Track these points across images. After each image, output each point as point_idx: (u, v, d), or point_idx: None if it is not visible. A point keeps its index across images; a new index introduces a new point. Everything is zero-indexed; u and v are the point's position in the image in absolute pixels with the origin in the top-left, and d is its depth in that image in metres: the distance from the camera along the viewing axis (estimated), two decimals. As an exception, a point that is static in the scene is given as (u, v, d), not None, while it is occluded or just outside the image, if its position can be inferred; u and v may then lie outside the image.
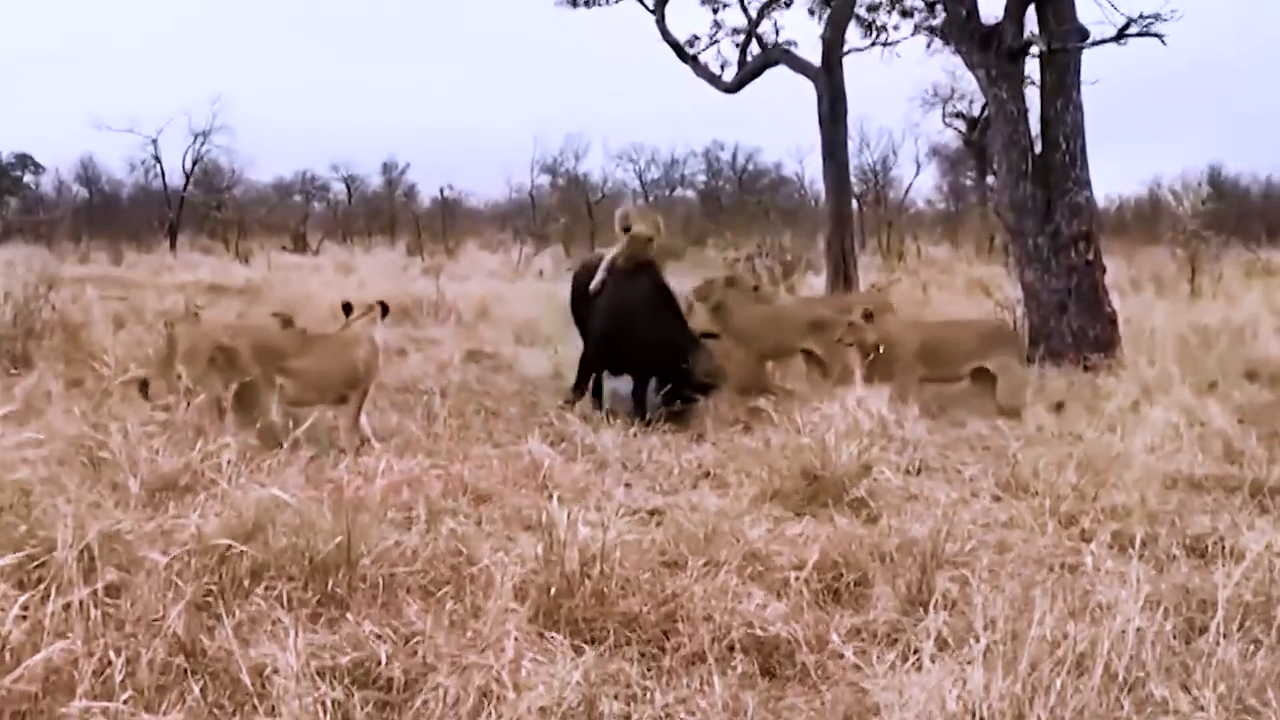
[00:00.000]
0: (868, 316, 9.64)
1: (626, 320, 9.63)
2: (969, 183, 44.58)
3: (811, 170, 44.24)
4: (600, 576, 4.68)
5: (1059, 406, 9.20)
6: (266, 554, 4.80)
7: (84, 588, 3.87)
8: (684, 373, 9.37)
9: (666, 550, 5.49)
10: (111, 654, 3.52)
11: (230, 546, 4.77)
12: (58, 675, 3.44)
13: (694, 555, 5.28)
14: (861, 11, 20.17)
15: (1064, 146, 11.99)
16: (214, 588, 4.62)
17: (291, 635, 3.84)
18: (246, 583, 4.67)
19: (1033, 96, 12.47)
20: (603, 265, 10.01)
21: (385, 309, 8.63)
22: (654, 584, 4.87)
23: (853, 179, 25.75)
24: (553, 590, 4.56)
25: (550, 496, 6.57)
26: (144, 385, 8.28)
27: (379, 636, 4.17)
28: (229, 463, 6.37)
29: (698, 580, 4.91)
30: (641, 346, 9.55)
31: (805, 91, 18.63)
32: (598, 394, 10.05)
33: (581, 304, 10.37)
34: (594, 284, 9.93)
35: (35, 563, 4.42)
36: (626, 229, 9.94)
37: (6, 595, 3.67)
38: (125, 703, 3.38)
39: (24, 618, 3.58)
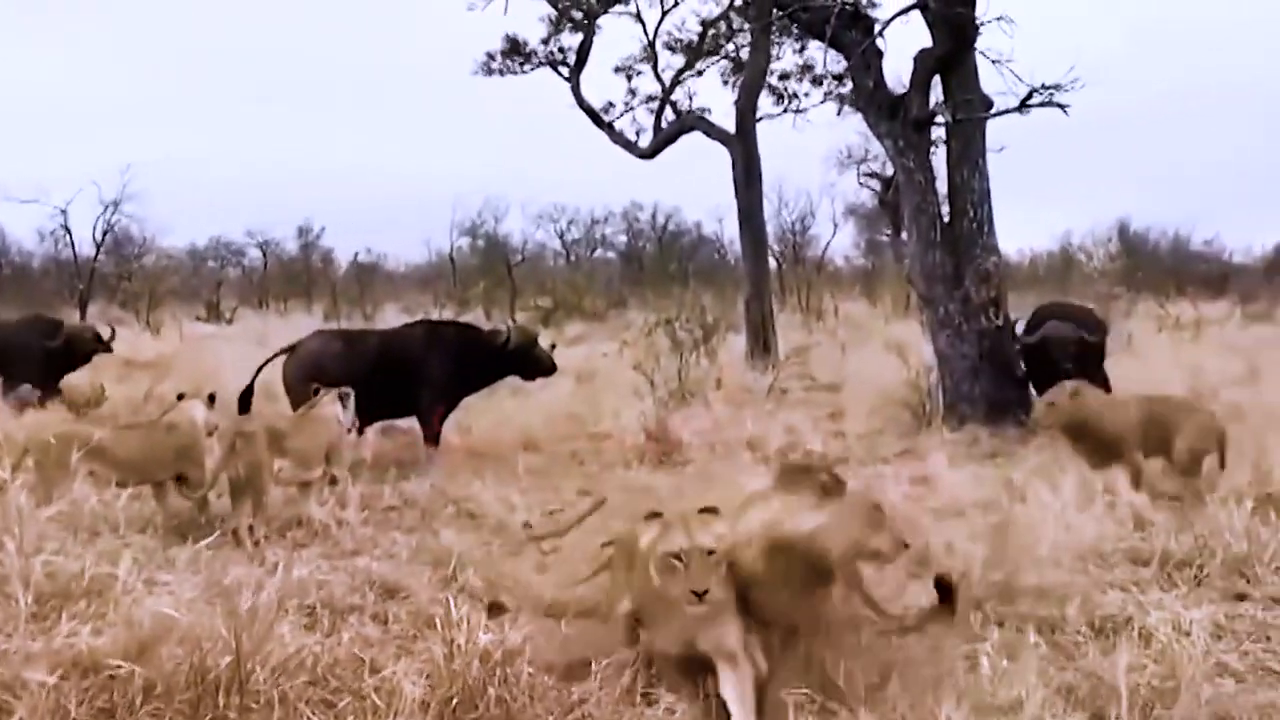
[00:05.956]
0: None
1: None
2: (885, 238, 45.39)
3: (730, 230, 44.40)
4: (503, 684, 4.57)
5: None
6: (158, 672, 4.61)
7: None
8: None
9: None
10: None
11: (120, 666, 4.59)
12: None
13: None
14: (773, 80, 20.54)
15: (971, 214, 12.17)
16: (104, 707, 4.45)
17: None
18: (139, 701, 4.49)
19: (940, 162, 12.68)
20: None
21: (212, 398, 8.86)
22: (560, 690, 4.77)
23: (771, 239, 26.02)
24: (454, 703, 4.44)
25: (460, 588, 6.52)
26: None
27: (270, 765, 4.02)
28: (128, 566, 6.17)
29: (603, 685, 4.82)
30: None
31: (721, 155, 18.92)
32: None
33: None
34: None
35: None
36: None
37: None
38: None
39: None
